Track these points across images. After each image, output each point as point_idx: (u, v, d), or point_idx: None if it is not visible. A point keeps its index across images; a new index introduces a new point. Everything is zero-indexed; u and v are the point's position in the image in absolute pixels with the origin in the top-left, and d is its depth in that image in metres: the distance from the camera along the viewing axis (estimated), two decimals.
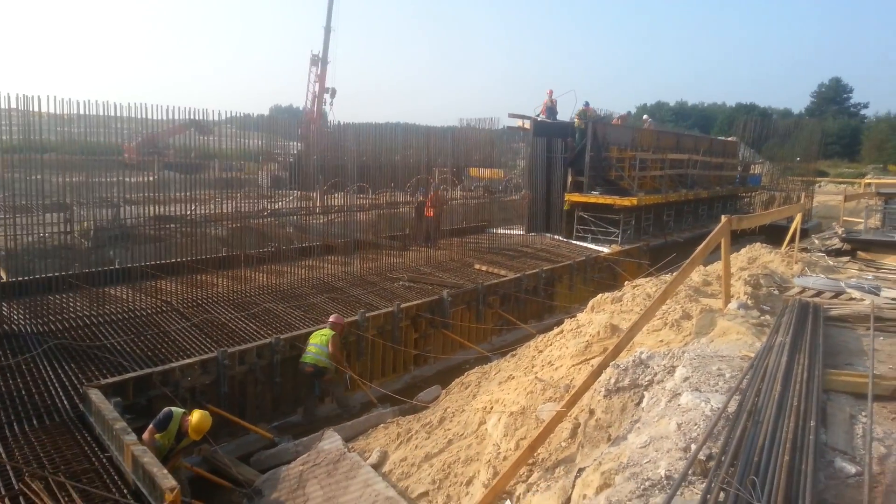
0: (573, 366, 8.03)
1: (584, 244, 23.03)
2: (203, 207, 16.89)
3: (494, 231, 24.30)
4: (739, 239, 21.53)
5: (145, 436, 7.37)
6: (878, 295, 9.18)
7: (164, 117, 14.99)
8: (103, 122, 13.96)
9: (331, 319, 11.46)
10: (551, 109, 26.44)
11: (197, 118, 16.90)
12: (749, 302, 8.39)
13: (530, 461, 6.50)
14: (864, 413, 4.90)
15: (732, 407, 4.71)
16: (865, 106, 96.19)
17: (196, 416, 7.52)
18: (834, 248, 14.57)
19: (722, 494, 3.60)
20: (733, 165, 35.60)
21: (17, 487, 6.47)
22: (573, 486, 5.09)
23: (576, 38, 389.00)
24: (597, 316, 8.87)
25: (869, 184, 30.23)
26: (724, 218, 7.98)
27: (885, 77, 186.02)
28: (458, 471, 7.33)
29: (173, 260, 14.76)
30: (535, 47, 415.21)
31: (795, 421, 4.41)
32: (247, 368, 10.49)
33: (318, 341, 10.98)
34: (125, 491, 6.77)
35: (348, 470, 7.96)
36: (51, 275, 12.65)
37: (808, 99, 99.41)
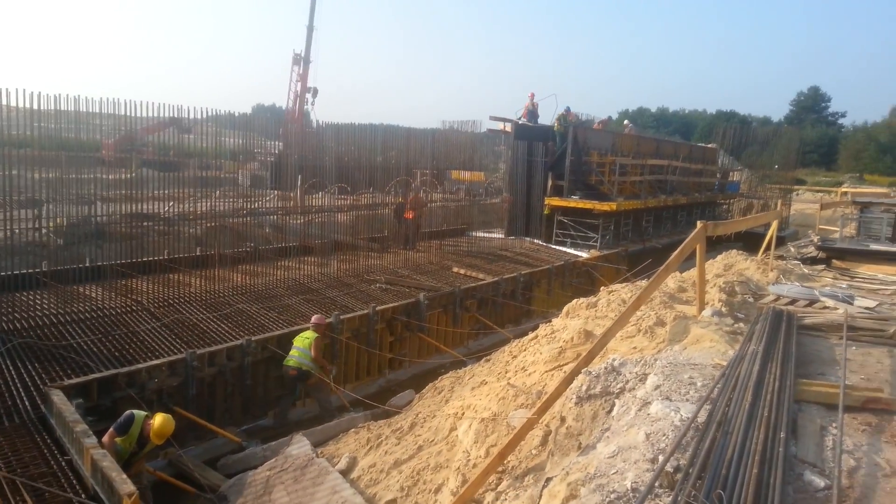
0: (546, 372, 7.94)
1: (564, 249, 22.99)
2: (179, 206, 16.66)
3: (474, 234, 24.22)
4: (717, 245, 21.63)
5: (105, 439, 7.17)
6: (851, 304, 9.19)
7: (144, 114, 14.72)
8: (83, 119, 13.71)
9: (313, 320, 11.32)
10: (532, 113, 26.43)
11: (176, 116, 16.68)
12: (723, 309, 8.35)
13: (500, 469, 6.39)
14: (834, 424, 4.85)
15: (703, 417, 4.64)
16: (843, 115, 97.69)
17: (158, 419, 7.33)
18: (809, 256, 14.63)
19: None
20: (712, 172, 35.82)
21: None
22: (540, 496, 4.99)
23: (560, 44, 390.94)
24: (571, 322, 8.80)
25: (845, 193, 30.55)
26: (699, 224, 7.93)
27: (862, 87, 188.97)
28: (428, 478, 7.20)
29: (147, 259, 14.50)
30: (518, 50, 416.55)
31: (765, 432, 4.34)
32: (216, 370, 10.29)
33: (302, 344, 10.83)
34: (83, 495, 6.58)
35: (316, 476, 7.80)
36: (17, 272, 12.38)
37: (788, 107, 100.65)
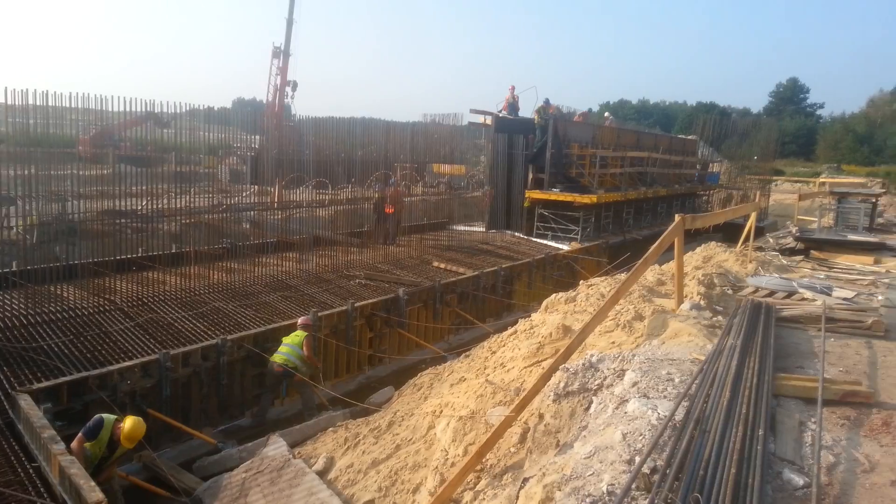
0: (525, 368, 7.85)
1: (545, 242, 22.93)
2: (156, 202, 16.39)
3: (455, 228, 24.10)
4: (697, 237, 21.66)
5: (74, 445, 6.97)
6: (829, 295, 9.19)
7: (120, 109, 14.45)
8: (58, 114, 13.42)
9: (300, 322, 11.20)
10: (513, 105, 26.28)
11: (153, 110, 16.41)
12: (702, 302, 8.30)
13: (478, 467, 6.30)
14: (813, 419, 4.80)
15: (680, 415, 4.56)
16: (821, 106, 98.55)
17: (128, 423, 7.15)
18: (788, 247, 14.65)
19: None
20: (692, 164, 35.94)
21: None
22: (517, 497, 4.90)
23: (541, 36, 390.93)
24: (550, 316, 8.71)
25: (823, 183, 30.77)
26: (677, 217, 7.86)
27: (840, 78, 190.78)
28: (406, 477, 7.10)
29: (122, 257, 14.23)
30: (499, 43, 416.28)
31: (744, 430, 4.27)
32: (191, 371, 10.10)
33: (292, 341, 10.74)
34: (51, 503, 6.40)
35: (292, 477, 7.67)
36: None
37: (767, 98, 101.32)
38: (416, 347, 14.10)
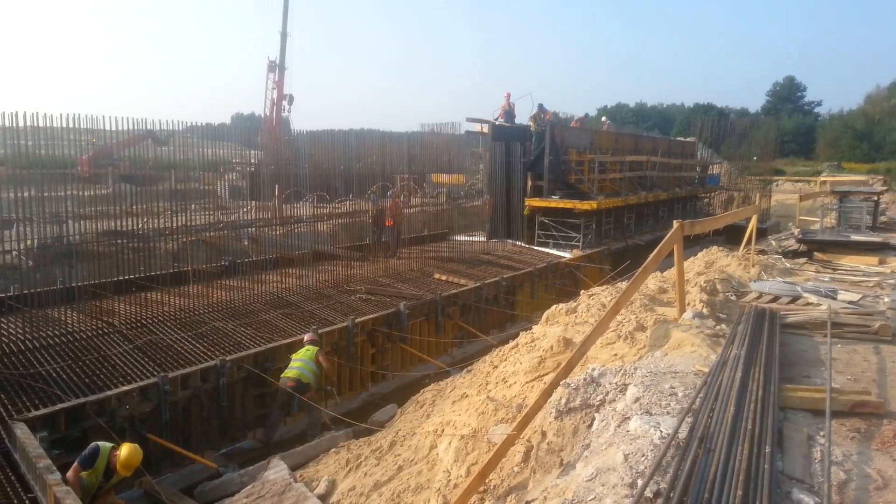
0: (527, 383, 7.73)
1: (546, 250, 22.81)
2: (154, 221, 16.35)
3: (456, 238, 24.00)
4: (700, 240, 21.53)
5: (69, 474, 6.86)
6: (834, 299, 9.06)
7: (117, 128, 14.44)
8: (57, 135, 13.41)
9: (306, 339, 11.17)
10: (509, 113, 26.24)
11: (152, 128, 16.41)
12: (705, 310, 8.18)
13: (481, 489, 6.18)
14: (822, 433, 4.66)
15: (684, 432, 4.43)
16: (819, 104, 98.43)
17: (125, 450, 7.03)
18: (790, 249, 14.52)
19: None
20: (692, 166, 35.82)
21: None
22: None
23: (536, 42, 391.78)
24: (551, 329, 8.58)
25: (824, 182, 30.62)
26: (675, 224, 7.75)
27: (837, 75, 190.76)
28: (409, 500, 6.96)
29: (120, 278, 14.15)
30: (495, 49, 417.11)
31: (750, 447, 4.14)
32: (190, 393, 9.99)
33: (304, 356, 10.68)
34: None
35: (293, 502, 7.54)
36: None
37: (764, 98, 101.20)
38: (420, 362, 13.99)
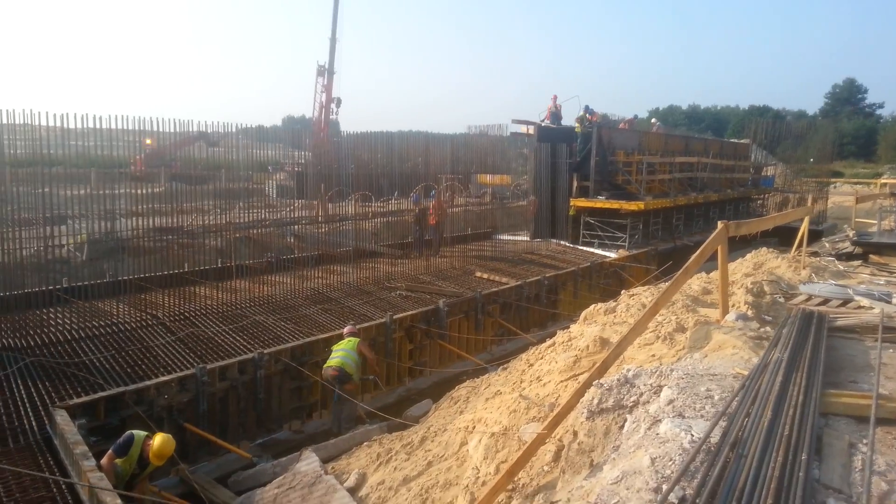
0: (561, 382, 7.57)
1: (591, 250, 22.51)
2: (203, 218, 16.66)
3: (500, 237, 23.86)
4: (753, 242, 20.94)
5: (104, 461, 6.98)
6: (889, 302, 8.64)
7: (172, 130, 14.81)
8: (113, 136, 13.80)
9: (346, 330, 11.24)
10: (555, 114, 26.01)
11: (204, 130, 16.76)
12: (749, 312, 7.89)
13: (510, 487, 6.05)
14: (865, 441, 4.40)
15: (716, 437, 4.24)
16: (881, 106, 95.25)
17: (158, 440, 7.11)
18: (845, 251, 13.97)
19: None
20: (745, 168, 34.92)
21: None
22: None
23: (589, 44, 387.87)
24: (588, 328, 8.40)
25: (884, 184, 29.51)
26: (720, 224, 7.50)
27: None
28: (436, 496, 6.87)
29: (166, 272, 14.42)
30: (548, 54, 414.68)
31: (785, 454, 3.93)
32: (228, 385, 10.09)
33: (346, 346, 10.75)
34: None
35: (323, 494, 7.53)
36: (35, 289, 12.40)
37: (823, 100, 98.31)
38: (458, 359, 13.89)
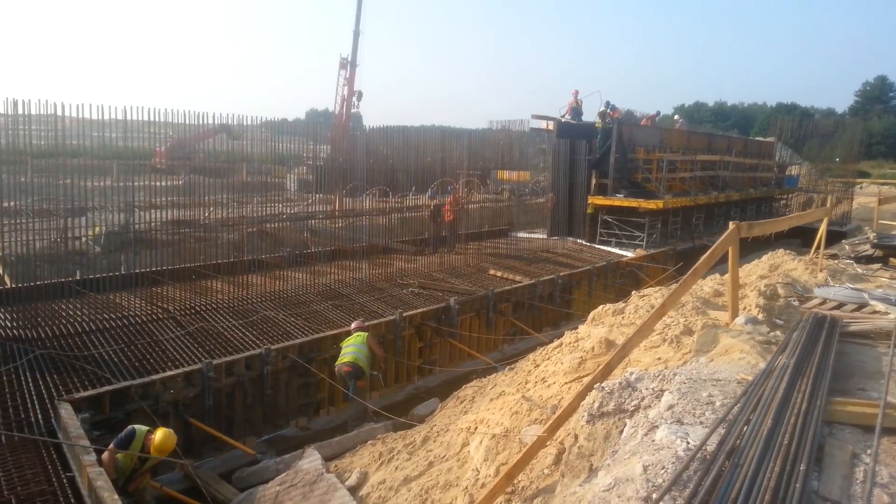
0: (566, 384, 7.44)
1: (608, 248, 22.28)
2: (220, 211, 16.71)
3: (516, 235, 23.71)
4: (773, 243, 20.59)
5: (105, 455, 6.99)
6: None
7: (194, 122, 14.89)
8: (136, 128, 13.87)
9: (354, 326, 11.23)
10: (576, 110, 25.75)
11: (226, 123, 16.82)
12: (760, 316, 7.70)
13: (509, 489, 5.95)
14: (869, 451, 4.25)
15: (714, 444, 4.10)
16: None
17: (159, 434, 7.11)
18: (864, 254, 13.64)
19: None
20: (769, 167, 34.35)
21: None
22: None
23: (615, 39, 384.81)
24: (595, 329, 8.25)
25: None
26: (731, 225, 7.32)
27: None
28: (436, 497, 6.79)
29: (180, 266, 14.48)
30: (572, 49, 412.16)
31: (782, 463, 3.80)
32: (235, 380, 10.09)
33: (356, 341, 10.73)
34: None
35: (324, 493, 7.49)
36: (49, 281, 12.50)
37: (853, 98, 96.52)
38: (468, 358, 13.79)
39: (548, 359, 8.69)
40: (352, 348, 10.62)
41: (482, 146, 26.52)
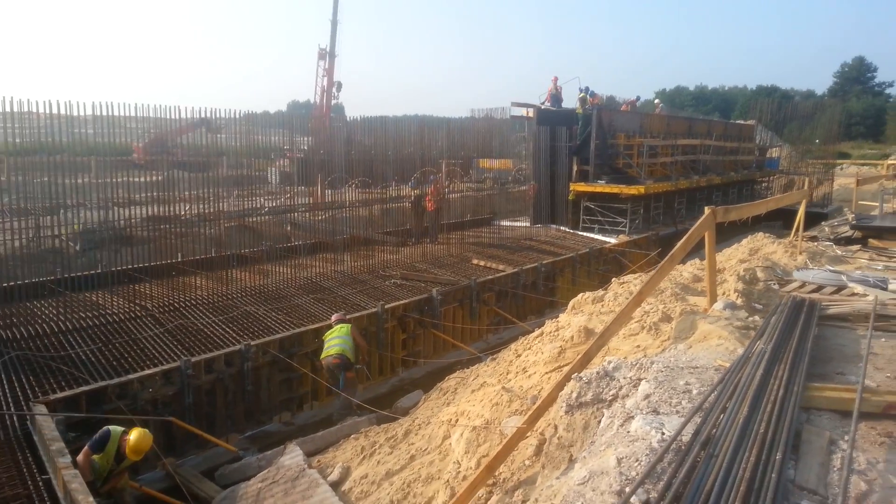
0: (546, 374, 7.42)
1: (591, 235, 22.29)
2: (199, 206, 16.52)
3: (499, 223, 23.66)
4: (754, 226, 20.63)
5: (80, 457, 6.88)
6: (884, 289, 8.43)
7: (174, 116, 14.68)
8: (115, 123, 13.65)
9: (335, 318, 11.09)
10: (556, 97, 25.68)
11: (206, 116, 16.61)
12: (738, 300, 7.70)
13: (490, 481, 5.92)
14: (847, 437, 4.23)
15: (689, 434, 4.07)
16: (890, 85, 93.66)
17: (134, 435, 7.01)
18: (844, 235, 13.70)
19: None
20: (749, 150, 34.48)
21: None
22: None
23: (594, 23, 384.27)
24: (575, 318, 8.22)
25: (891, 165, 29.10)
26: (707, 210, 7.29)
27: None
28: (418, 490, 6.75)
29: (160, 262, 14.29)
30: (553, 35, 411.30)
31: (758, 453, 3.77)
32: (215, 377, 9.98)
33: (341, 333, 10.63)
34: None
35: (305, 488, 7.42)
36: (26, 281, 12.30)
37: (832, 79, 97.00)
38: (452, 348, 13.73)
39: (529, 348, 8.66)
40: (337, 340, 10.54)
41: (463, 135, 26.36)
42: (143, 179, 15.89)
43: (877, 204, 18.13)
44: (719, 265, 10.29)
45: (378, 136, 21.33)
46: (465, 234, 20.85)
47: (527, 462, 5.89)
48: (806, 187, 16.41)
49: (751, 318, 7.05)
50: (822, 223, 18.25)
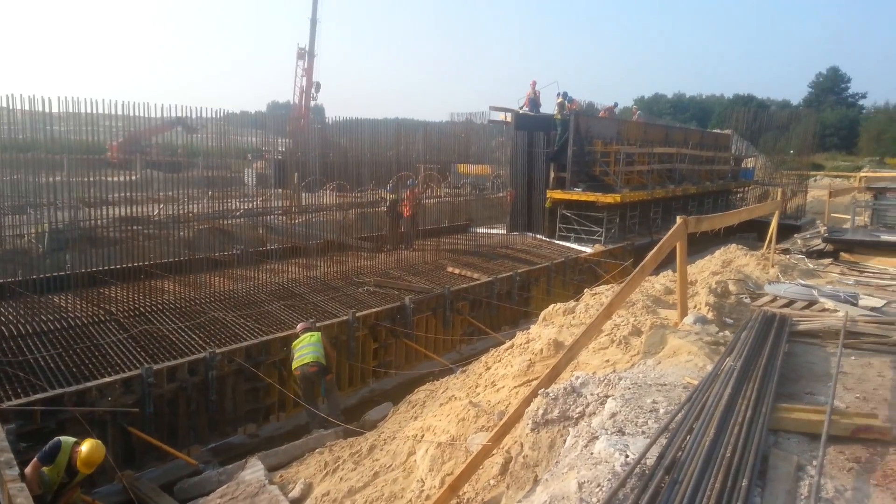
0: (514, 388, 7.27)
1: (567, 244, 22.24)
2: (171, 208, 16.21)
3: (476, 231, 23.54)
4: (728, 237, 20.70)
5: (28, 470, 6.60)
6: (855, 304, 8.40)
7: (150, 115, 14.38)
8: (89, 121, 13.33)
9: (301, 327, 10.87)
10: (534, 102, 25.57)
11: (182, 116, 16.31)
12: (709, 314, 7.61)
13: (454, 502, 5.75)
14: (815, 462, 4.12)
15: (653, 457, 3.94)
16: (864, 96, 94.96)
17: (86, 447, 6.75)
18: (816, 248, 13.73)
19: None
20: (725, 159, 34.70)
21: None
22: None
23: (574, 31, 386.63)
24: (545, 330, 8.09)
25: (864, 177, 29.41)
26: (678, 220, 7.19)
27: (884, 66, 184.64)
28: None
29: (128, 265, 13.95)
30: (533, 40, 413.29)
31: (724, 479, 3.64)
32: (177, 386, 9.71)
33: (312, 340, 10.41)
34: None
35: None
36: None
37: (807, 89, 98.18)
38: (425, 359, 13.55)
39: (499, 361, 8.50)
40: (310, 348, 10.32)
41: (441, 139, 26.21)
42: (115, 179, 15.57)
43: (849, 217, 18.26)
44: (692, 277, 10.23)
45: (355, 138, 21.08)
46: (442, 240, 20.69)
47: (492, 482, 5.73)
48: (779, 198, 16.40)
49: (721, 333, 6.96)
50: (795, 235, 18.34)
